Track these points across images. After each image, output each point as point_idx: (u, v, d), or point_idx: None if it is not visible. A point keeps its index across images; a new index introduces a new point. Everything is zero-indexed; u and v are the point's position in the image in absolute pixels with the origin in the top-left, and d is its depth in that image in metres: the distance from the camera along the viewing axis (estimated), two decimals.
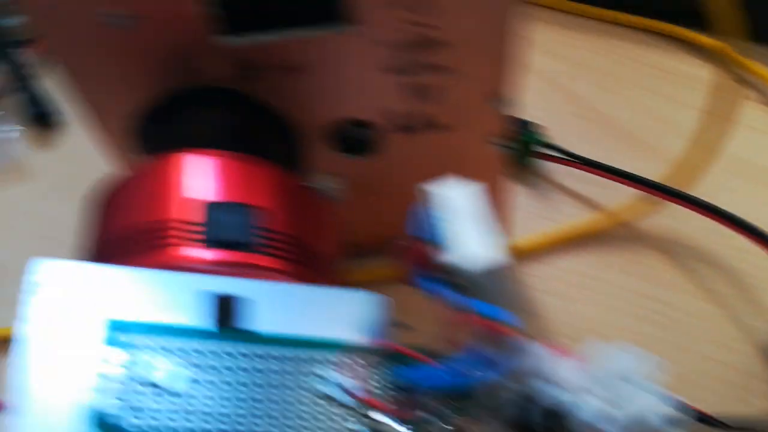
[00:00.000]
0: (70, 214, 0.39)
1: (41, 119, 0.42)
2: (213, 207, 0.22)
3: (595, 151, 0.38)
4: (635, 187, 0.36)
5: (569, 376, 0.19)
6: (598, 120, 0.42)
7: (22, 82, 0.42)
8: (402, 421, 0.19)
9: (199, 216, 0.22)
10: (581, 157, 0.38)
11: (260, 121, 0.28)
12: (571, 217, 0.38)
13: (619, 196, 0.38)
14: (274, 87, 0.27)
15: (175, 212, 0.22)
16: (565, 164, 0.38)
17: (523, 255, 0.37)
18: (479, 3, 0.25)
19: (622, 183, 0.37)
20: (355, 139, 0.30)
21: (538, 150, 0.39)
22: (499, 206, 0.35)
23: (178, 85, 0.26)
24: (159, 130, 0.27)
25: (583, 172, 0.38)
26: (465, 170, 0.32)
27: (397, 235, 0.36)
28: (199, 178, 0.23)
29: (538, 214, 0.38)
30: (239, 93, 0.27)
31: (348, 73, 0.27)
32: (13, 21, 0.45)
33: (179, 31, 0.24)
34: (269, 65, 0.26)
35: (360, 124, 0.29)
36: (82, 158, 0.41)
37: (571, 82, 0.44)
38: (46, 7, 0.23)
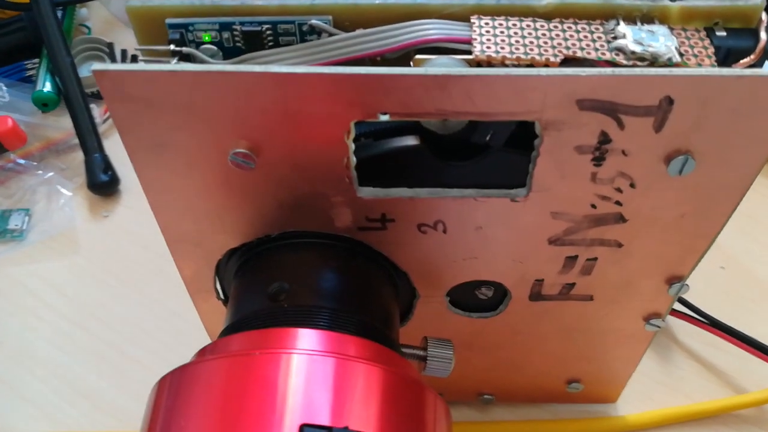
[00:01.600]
0: (104, 296, 0.37)
1: (101, 186, 0.38)
2: None
3: (735, 312, 0.33)
4: None
5: None
6: (741, 274, 0.36)
7: (90, 139, 0.38)
8: None
9: None
10: (717, 321, 0.32)
11: (379, 276, 0.23)
12: (698, 390, 0.32)
13: (757, 371, 0.32)
14: (403, 240, 0.22)
15: None
16: (698, 326, 0.33)
17: (637, 429, 0.31)
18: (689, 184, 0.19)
19: (760, 358, 0.31)
20: (476, 298, 0.25)
21: None
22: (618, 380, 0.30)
23: (291, 228, 0.21)
24: (257, 273, 0.22)
25: (718, 338, 0.32)
26: (592, 337, 0.27)
27: (487, 392, 0.32)
28: (302, 388, 0.18)
29: (660, 382, 0.33)
30: (360, 243, 0.22)
31: (501, 238, 0.22)
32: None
33: (318, 178, 0.20)
34: (404, 218, 0.21)
35: (489, 284, 0.24)
36: (130, 235, 0.37)
37: None
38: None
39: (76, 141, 0.38)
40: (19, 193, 0.38)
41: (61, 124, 0.40)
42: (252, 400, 0.17)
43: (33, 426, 0.32)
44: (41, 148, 0.39)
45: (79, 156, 0.39)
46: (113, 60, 0.42)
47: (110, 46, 0.42)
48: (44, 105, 0.40)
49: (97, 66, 0.17)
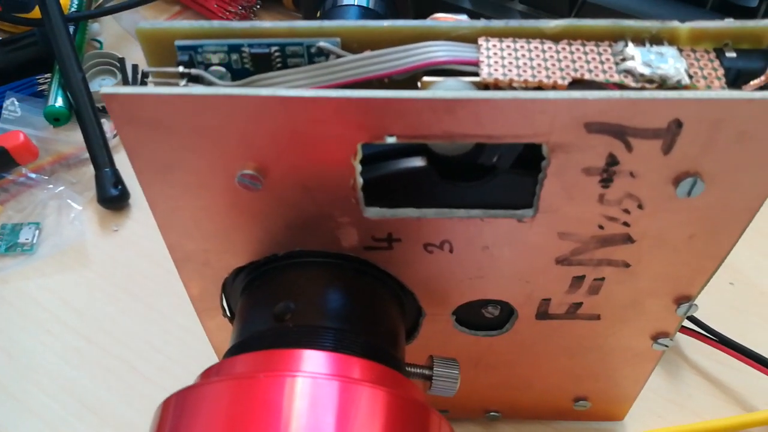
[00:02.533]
0: (113, 310, 0.38)
1: (111, 200, 0.38)
2: None
3: (745, 329, 0.32)
4: None
5: None
6: (750, 290, 0.36)
7: (100, 154, 0.38)
8: None
9: None
10: (726, 338, 0.32)
11: (385, 295, 0.23)
12: (707, 408, 0.32)
13: (767, 390, 0.32)
14: (409, 260, 0.22)
15: None
16: (707, 342, 0.32)
17: None
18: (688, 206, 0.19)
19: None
20: (482, 316, 0.25)
21: None
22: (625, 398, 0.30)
23: (297, 247, 0.21)
24: (262, 292, 0.22)
25: (727, 355, 0.32)
26: (599, 355, 0.27)
27: (493, 409, 0.32)
28: (306, 411, 0.18)
29: (668, 399, 0.32)
30: (366, 263, 0.22)
31: (508, 258, 0.22)
32: (106, 84, 0.41)
33: (325, 199, 0.20)
34: (410, 238, 0.21)
35: (495, 303, 0.24)
36: (139, 250, 0.37)
37: None
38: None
39: (87, 155, 0.38)
40: (30, 207, 0.38)
41: (72, 139, 0.40)
42: (256, 424, 0.17)
43: None
44: (52, 163, 0.39)
45: (89, 170, 0.39)
46: (124, 74, 0.42)
47: (121, 61, 0.42)
48: (56, 120, 0.40)
49: (106, 89, 0.17)
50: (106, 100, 0.17)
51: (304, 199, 0.20)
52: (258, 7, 0.47)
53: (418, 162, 0.20)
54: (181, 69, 0.19)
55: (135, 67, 0.43)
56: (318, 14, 0.36)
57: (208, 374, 0.20)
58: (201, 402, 0.18)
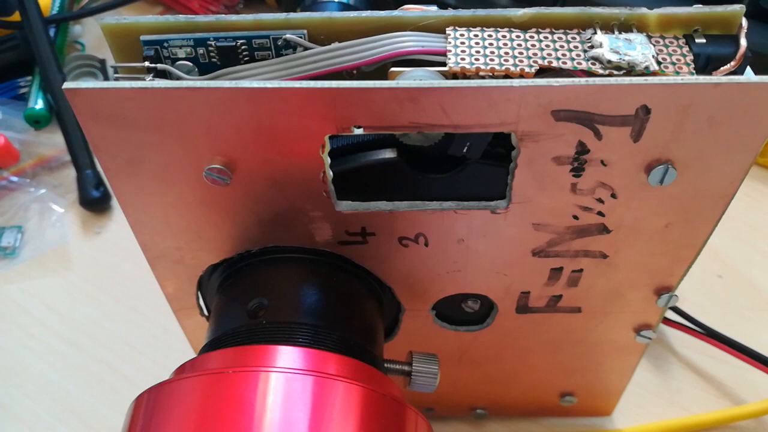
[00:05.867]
0: (96, 313, 0.37)
1: (93, 202, 0.38)
2: None
3: (733, 322, 0.32)
4: None
5: None
6: (738, 283, 0.36)
7: (81, 156, 0.38)
8: None
9: None
10: (714, 331, 0.32)
11: (362, 290, 0.22)
12: (695, 402, 0.32)
13: (756, 382, 0.32)
14: (385, 254, 0.22)
15: None
16: (695, 336, 0.32)
17: None
18: (666, 195, 0.19)
19: (759, 369, 0.31)
20: (462, 311, 0.25)
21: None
22: (611, 393, 0.29)
23: (271, 243, 0.21)
24: (236, 289, 0.22)
25: (716, 348, 0.32)
26: (582, 349, 0.27)
27: (479, 406, 0.32)
28: (279, 407, 0.17)
29: (656, 394, 0.32)
30: (341, 258, 0.22)
31: (484, 250, 0.21)
32: None
33: (295, 193, 0.20)
34: (384, 231, 0.21)
35: (475, 297, 0.24)
36: (122, 251, 0.37)
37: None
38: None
39: (69, 158, 0.38)
40: (12, 210, 0.38)
41: (54, 141, 0.40)
42: (227, 419, 0.17)
43: None
44: (34, 165, 0.39)
45: (71, 173, 0.39)
46: (106, 76, 0.42)
47: (102, 62, 0.42)
48: (36, 122, 0.40)
49: (68, 84, 0.17)
50: (69, 96, 0.17)
51: (274, 193, 0.20)
52: (241, 6, 0.46)
53: (387, 154, 0.20)
54: (147, 64, 0.19)
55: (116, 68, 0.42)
56: (299, 12, 0.36)
57: (181, 370, 0.20)
58: (173, 397, 0.18)
